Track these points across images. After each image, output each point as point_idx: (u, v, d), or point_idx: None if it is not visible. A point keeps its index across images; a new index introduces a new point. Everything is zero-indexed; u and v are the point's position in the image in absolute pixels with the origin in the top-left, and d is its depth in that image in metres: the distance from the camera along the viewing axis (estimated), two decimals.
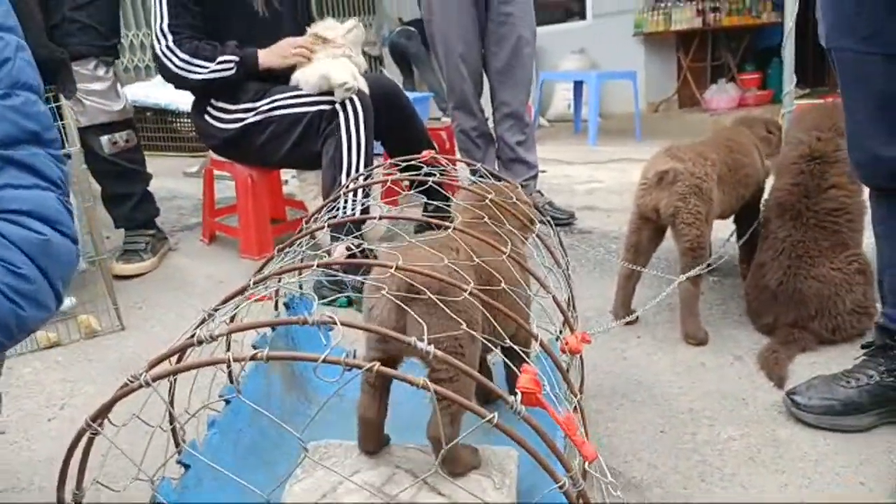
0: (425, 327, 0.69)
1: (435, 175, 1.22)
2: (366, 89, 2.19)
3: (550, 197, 2.80)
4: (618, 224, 2.64)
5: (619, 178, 3.46)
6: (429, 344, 0.63)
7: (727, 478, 1.17)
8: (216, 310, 0.81)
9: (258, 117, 2.23)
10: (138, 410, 0.74)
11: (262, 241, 2.37)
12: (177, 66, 2.23)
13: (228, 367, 0.60)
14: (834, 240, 1.63)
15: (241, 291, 0.85)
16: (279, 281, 1.14)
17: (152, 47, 2.30)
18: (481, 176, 1.25)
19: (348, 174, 2.06)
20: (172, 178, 4.13)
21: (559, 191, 3.24)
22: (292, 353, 0.84)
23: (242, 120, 2.26)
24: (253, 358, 0.59)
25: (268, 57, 2.26)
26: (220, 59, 2.22)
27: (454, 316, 0.76)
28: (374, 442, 0.99)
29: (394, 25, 6.78)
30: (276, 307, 1.34)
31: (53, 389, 1.63)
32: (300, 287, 1.42)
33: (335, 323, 0.61)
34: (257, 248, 2.36)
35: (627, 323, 1.73)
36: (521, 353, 0.80)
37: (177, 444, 0.95)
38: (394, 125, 2.35)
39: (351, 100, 2.11)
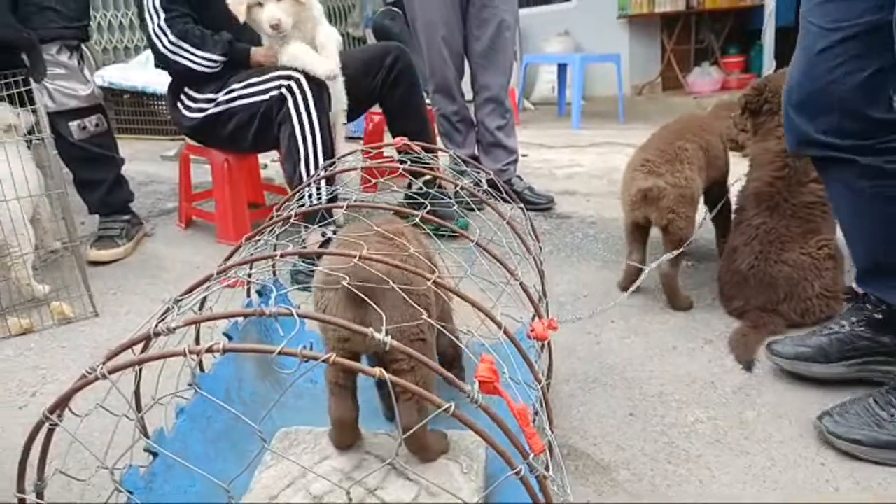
0: (384, 317, 0.69)
1: (407, 163, 1.22)
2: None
3: (530, 181, 2.80)
4: (596, 209, 2.65)
5: (599, 162, 3.47)
6: (387, 335, 0.63)
7: (693, 459, 1.20)
8: (180, 299, 0.81)
9: (220, 108, 2.20)
10: (103, 399, 0.74)
11: (240, 226, 2.35)
12: (165, 46, 2.17)
13: (186, 356, 0.60)
14: (807, 227, 1.65)
15: (205, 281, 0.84)
16: (250, 269, 1.14)
17: (144, 25, 2.21)
18: (456, 164, 1.25)
19: (307, 162, 2.04)
20: (150, 162, 4.08)
21: (539, 175, 3.24)
22: (248, 346, 0.84)
23: (205, 110, 2.24)
24: (209, 350, 0.59)
25: (259, 56, 2.23)
26: (209, 55, 2.18)
27: (415, 305, 0.76)
28: (350, 438, 1.00)
29: (377, 6, 6.69)
30: (248, 294, 1.34)
31: (25, 377, 1.61)
32: (273, 274, 1.42)
33: (291, 315, 0.61)
34: (234, 234, 2.34)
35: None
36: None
37: (144, 433, 0.95)
38: (398, 92, 2.39)
39: (298, 82, 2.05)
